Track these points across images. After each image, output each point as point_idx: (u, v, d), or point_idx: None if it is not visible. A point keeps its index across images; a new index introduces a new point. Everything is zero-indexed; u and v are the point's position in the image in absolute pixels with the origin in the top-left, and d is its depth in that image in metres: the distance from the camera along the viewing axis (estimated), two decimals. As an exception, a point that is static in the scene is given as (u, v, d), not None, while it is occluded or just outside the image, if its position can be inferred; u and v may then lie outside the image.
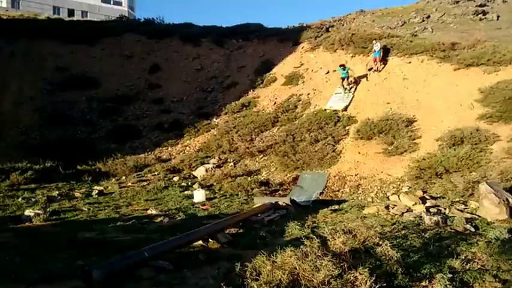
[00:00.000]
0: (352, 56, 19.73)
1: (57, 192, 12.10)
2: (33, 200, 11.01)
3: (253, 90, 22.01)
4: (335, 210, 9.71)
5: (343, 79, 17.48)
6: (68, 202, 11.12)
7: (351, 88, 17.69)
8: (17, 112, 19.93)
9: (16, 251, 6.28)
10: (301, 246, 4.70)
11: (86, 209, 10.19)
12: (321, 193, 12.30)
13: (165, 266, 5.12)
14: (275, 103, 19.91)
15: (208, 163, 15.77)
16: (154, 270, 5.04)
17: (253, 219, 8.43)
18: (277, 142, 15.87)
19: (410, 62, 17.13)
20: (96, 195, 12.10)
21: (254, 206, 9.98)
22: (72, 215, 9.51)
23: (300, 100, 19.14)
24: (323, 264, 4.16)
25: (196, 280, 4.77)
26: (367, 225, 6.08)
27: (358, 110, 16.33)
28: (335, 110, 16.91)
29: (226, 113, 20.54)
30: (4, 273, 5.09)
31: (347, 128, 15.57)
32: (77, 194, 12.09)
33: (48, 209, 9.63)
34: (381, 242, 5.34)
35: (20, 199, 11.01)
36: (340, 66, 17.53)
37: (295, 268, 4.23)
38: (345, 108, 16.79)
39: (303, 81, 20.53)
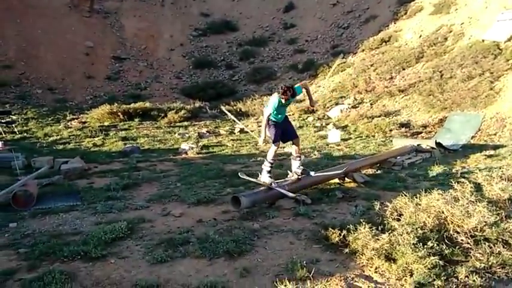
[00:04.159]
0: (525, -28, 16.06)
1: (205, 129, 13.52)
2: (186, 135, 12.57)
3: (395, 23, 20.08)
4: (490, 156, 8.56)
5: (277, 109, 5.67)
6: (215, 138, 12.36)
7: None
8: (170, 57, 22.43)
9: (177, 177, 7.36)
10: (450, 190, 4.33)
11: (230, 145, 11.19)
12: (473, 137, 10.96)
13: (304, 199, 5.34)
14: (420, 36, 17.88)
15: (343, 103, 15.40)
16: (294, 202, 5.33)
17: (392, 161, 8.05)
18: (422, 80, 14.44)
19: None
20: (238, 133, 13.12)
21: (393, 148, 9.49)
22: (219, 150, 10.57)
23: (451, 31, 16.75)
24: (476, 210, 3.77)
25: (334, 214, 4.87)
26: (534, 173, 5.22)
27: (528, 39, 13.52)
28: (496, 41, 14.33)
29: (363, 50, 19.40)
30: (169, 195, 6.07)
31: (510, 62, 13.13)
32: (222, 131, 13.30)
33: (199, 144, 10.93)
34: (551, 193, 4.56)
35: (176, 134, 12.69)
36: (286, 90, 5.42)
37: (443, 212, 3.95)
38: (510, 38, 14.07)
39: (456, 9, 17.78)
